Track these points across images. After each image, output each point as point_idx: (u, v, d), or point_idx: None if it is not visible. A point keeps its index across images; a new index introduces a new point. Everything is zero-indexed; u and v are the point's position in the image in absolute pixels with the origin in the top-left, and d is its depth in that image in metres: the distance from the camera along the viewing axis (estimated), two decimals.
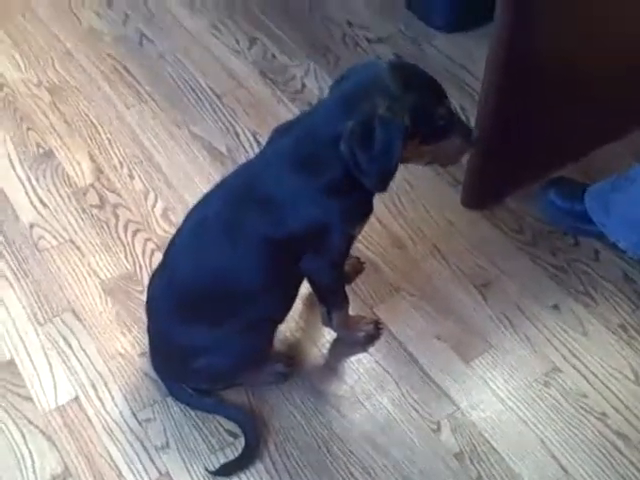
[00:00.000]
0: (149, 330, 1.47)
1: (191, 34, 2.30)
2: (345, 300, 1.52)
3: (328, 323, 1.55)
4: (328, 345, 1.60)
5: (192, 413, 1.50)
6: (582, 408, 1.51)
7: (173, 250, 1.39)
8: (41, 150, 1.96)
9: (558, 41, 1.58)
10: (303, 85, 2.13)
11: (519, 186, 1.84)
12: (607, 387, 1.53)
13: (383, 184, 1.28)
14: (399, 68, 1.28)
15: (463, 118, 1.39)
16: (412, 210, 1.84)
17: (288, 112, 2.02)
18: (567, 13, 1.53)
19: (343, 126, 1.22)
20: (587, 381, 1.54)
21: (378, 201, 1.78)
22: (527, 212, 1.82)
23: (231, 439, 1.47)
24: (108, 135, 2.01)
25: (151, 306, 1.44)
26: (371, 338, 1.59)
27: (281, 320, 1.47)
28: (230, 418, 1.48)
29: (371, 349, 1.59)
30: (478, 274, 1.71)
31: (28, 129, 2.01)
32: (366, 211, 1.38)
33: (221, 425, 1.48)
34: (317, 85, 2.12)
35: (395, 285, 1.70)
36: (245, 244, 1.32)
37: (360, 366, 1.57)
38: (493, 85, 1.61)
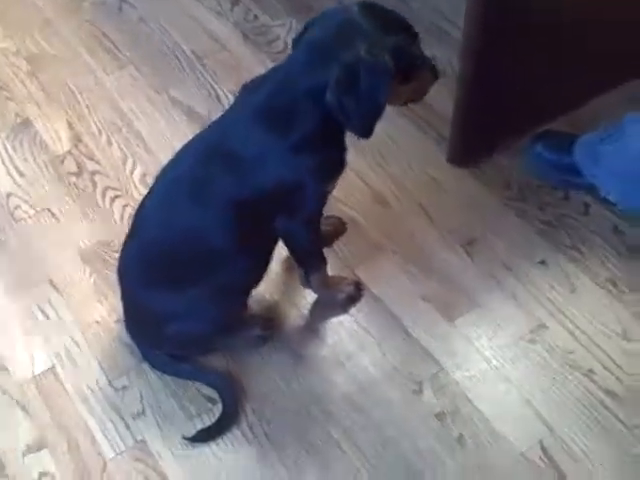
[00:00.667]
0: (122, 296, 1.43)
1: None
2: (323, 261, 1.47)
3: (307, 284, 1.51)
4: (308, 307, 1.56)
5: (169, 379, 1.47)
6: (569, 365, 1.46)
7: (142, 212, 1.36)
8: (19, 119, 1.93)
9: None
10: (286, 45, 2.07)
11: (506, 141, 1.78)
12: (594, 343, 1.49)
13: (370, 129, 1.25)
14: (370, 10, 1.23)
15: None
16: (396, 167, 1.79)
17: None
18: None
19: (324, 76, 1.19)
20: (574, 337, 1.50)
21: (360, 158, 1.78)
22: (515, 167, 1.76)
23: (209, 405, 1.44)
24: (87, 102, 1.97)
25: (122, 271, 1.40)
26: (352, 299, 1.55)
27: (255, 284, 1.43)
28: (207, 384, 1.45)
29: (352, 310, 1.55)
30: (464, 232, 1.66)
31: (6, 99, 1.98)
32: (338, 167, 1.33)
33: (199, 391, 1.45)
34: None
35: (377, 244, 1.65)
36: (214, 203, 1.28)
37: (341, 327, 1.53)
38: (473, 36, 1.55)
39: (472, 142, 1.75)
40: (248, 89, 1.29)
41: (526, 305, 1.54)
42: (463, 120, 1.70)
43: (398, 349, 1.50)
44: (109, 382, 1.47)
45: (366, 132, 1.26)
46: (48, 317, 1.57)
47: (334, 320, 1.54)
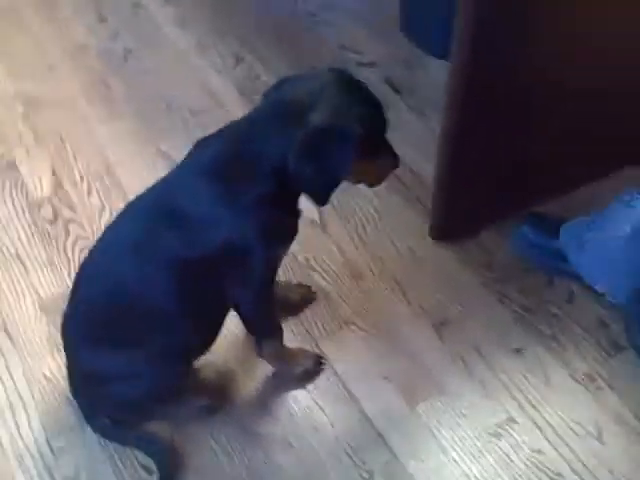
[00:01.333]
0: (64, 352, 1.37)
1: (178, 51, 2.24)
2: (276, 330, 1.40)
3: (261, 354, 1.44)
4: (263, 379, 1.48)
5: (109, 444, 1.40)
6: (535, 466, 1.36)
7: (82, 269, 1.31)
8: (4, 161, 1.92)
9: (528, 66, 1.46)
10: None
11: (493, 221, 1.71)
12: (566, 443, 1.38)
13: (327, 197, 1.21)
14: (342, 79, 1.19)
15: None
16: (376, 239, 1.72)
17: None
18: (534, 38, 1.42)
19: (283, 138, 1.15)
20: (544, 435, 1.39)
21: (341, 227, 1.72)
22: (499, 247, 1.68)
23: (145, 475, 1.36)
24: (75, 150, 1.95)
25: (63, 326, 1.35)
26: (310, 374, 1.47)
27: (201, 350, 1.36)
28: (146, 453, 1.37)
29: (309, 386, 1.47)
30: (437, 311, 1.58)
31: None
32: (290, 232, 1.28)
33: (137, 459, 1.38)
34: None
35: (346, 318, 1.58)
36: (156, 261, 1.22)
37: (295, 404, 1.45)
38: (452, 116, 1.49)
39: (455, 219, 1.68)
40: (200, 145, 1.25)
41: (495, 395, 1.45)
42: (445, 198, 1.64)
43: (352, 432, 1.41)
44: (47, 441, 1.41)
45: (323, 200, 1.21)
46: None
47: (289, 395, 1.46)
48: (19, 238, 1.74)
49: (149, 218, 1.23)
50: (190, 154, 1.26)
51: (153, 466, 1.36)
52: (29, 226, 1.77)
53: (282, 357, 1.44)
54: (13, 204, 1.82)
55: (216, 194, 1.19)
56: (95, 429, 1.40)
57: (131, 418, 1.39)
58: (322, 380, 1.48)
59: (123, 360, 1.28)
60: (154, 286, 1.23)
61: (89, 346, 1.30)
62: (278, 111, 1.18)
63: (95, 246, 1.31)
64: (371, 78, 2.09)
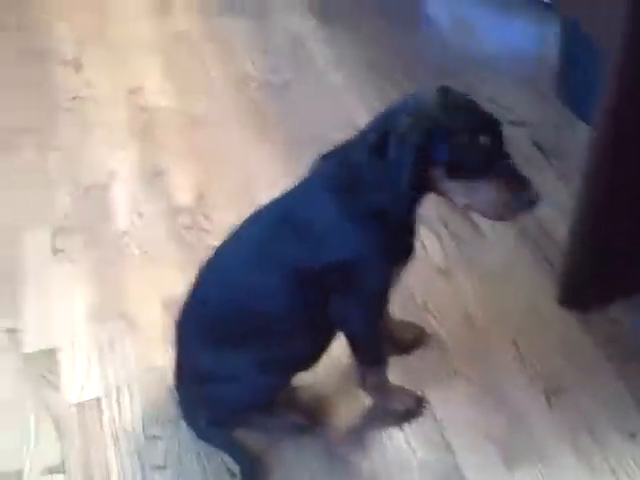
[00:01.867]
0: (175, 345, 1.42)
1: (331, 87, 2.31)
2: (381, 358, 1.38)
3: (362, 384, 1.42)
4: (359, 410, 1.46)
5: (201, 443, 1.41)
6: None
7: (203, 269, 1.35)
8: (157, 168, 2.03)
9: None
10: None
11: (627, 294, 1.63)
12: None
13: (399, 200, 1.19)
14: (447, 93, 1.18)
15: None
16: (499, 294, 1.68)
17: None
18: None
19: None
20: None
21: (465, 276, 1.69)
22: (630, 323, 1.60)
23: (229, 479, 1.36)
24: (222, 167, 2.04)
25: (178, 322, 1.39)
26: (409, 414, 1.44)
27: (304, 366, 1.37)
28: (233, 458, 1.38)
29: (406, 426, 1.44)
30: (552, 378, 1.51)
31: (153, 148, 2.09)
32: (404, 251, 1.27)
33: (225, 463, 1.39)
34: None
35: (455, 368, 1.54)
36: (275, 267, 1.25)
37: (388, 440, 1.42)
38: (597, 180, 1.46)
39: (586, 287, 1.62)
40: (324, 158, 1.27)
41: (599, 476, 1.35)
42: (578, 262, 1.58)
43: None
44: (144, 428, 1.45)
45: (396, 200, 1.19)
46: (114, 350, 1.58)
47: (383, 430, 1.43)
48: (157, 239, 1.83)
49: (272, 225, 1.27)
50: (314, 168, 1.29)
51: (238, 472, 1.36)
52: (167, 229, 1.86)
53: (383, 390, 1.42)
54: (157, 207, 1.92)
55: (333, 205, 1.21)
56: (190, 426, 1.42)
57: (225, 422, 1.40)
58: (420, 423, 1.44)
59: (227, 362, 1.30)
60: (268, 291, 1.26)
61: (198, 343, 1.33)
62: (376, 119, 1.20)
63: (218, 248, 1.35)
64: (519, 137, 2.08)
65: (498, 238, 1.80)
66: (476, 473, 1.36)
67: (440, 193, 1.20)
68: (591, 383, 1.50)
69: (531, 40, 2.55)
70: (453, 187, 1.17)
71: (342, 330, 1.33)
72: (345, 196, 1.20)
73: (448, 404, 1.47)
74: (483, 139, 1.13)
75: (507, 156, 1.17)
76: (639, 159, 1.41)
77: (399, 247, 1.26)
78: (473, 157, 1.14)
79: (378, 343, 1.36)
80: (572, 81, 2.18)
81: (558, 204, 1.85)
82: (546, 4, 2.57)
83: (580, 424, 1.43)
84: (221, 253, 1.34)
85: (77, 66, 2.40)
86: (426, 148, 1.12)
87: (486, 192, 1.16)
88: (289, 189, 1.30)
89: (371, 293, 1.27)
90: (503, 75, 2.33)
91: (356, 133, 1.25)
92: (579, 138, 2.07)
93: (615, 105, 1.35)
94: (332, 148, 1.28)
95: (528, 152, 2.03)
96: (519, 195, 1.15)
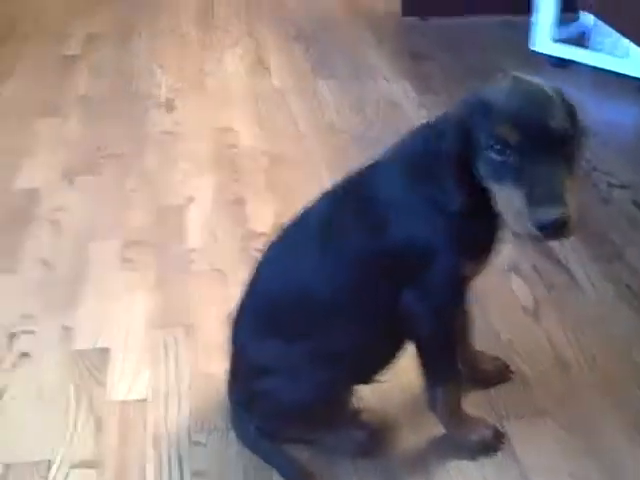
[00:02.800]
0: (230, 343, 1.31)
1: None
2: (452, 374, 1.23)
3: (432, 405, 1.26)
4: (430, 437, 1.29)
5: (247, 455, 1.27)
6: None
7: (262, 261, 1.26)
8: (234, 197, 1.99)
9: None
10: None
11: None
12: None
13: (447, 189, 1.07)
14: (520, 79, 1.05)
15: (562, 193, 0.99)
16: (592, 340, 1.50)
17: None
18: None
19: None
20: None
21: (555, 320, 1.54)
22: None
23: None
24: (302, 201, 1.97)
25: (235, 316, 1.29)
26: (485, 447, 1.26)
27: (366, 372, 1.24)
28: (280, 473, 1.23)
29: (481, 460, 1.26)
30: None
31: (235, 180, 2.06)
32: (484, 245, 1.13)
33: (271, 478, 1.24)
34: None
35: (540, 407, 1.36)
36: (337, 249, 1.15)
37: (458, 471, 1.24)
38: None
39: None
40: (403, 138, 1.18)
41: None
42: None
43: None
44: (188, 434, 1.32)
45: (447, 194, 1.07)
46: (167, 355, 1.48)
47: (453, 463, 1.25)
48: (228, 257, 1.76)
49: (341, 200, 1.18)
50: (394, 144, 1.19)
51: None
52: (240, 251, 1.78)
53: (456, 415, 1.26)
54: (231, 230, 1.86)
55: (409, 184, 1.11)
56: (239, 435, 1.29)
57: (277, 431, 1.26)
58: (497, 459, 1.26)
59: (283, 354, 1.18)
60: (331, 273, 1.15)
61: (254, 336, 1.23)
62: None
63: (278, 236, 1.26)
64: (621, 199, 1.95)
65: (592, 288, 1.65)
66: None
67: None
68: None
69: (628, 115, 2.46)
70: (492, 188, 1.04)
71: (410, 330, 1.17)
72: (424, 178, 1.10)
73: (530, 443, 1.29)
74: (512, 136, 0.99)
75: (546, 163, 0.99)
76: None
77: (478, 242, 1.13)
78: (498, 154, 1.00)
79: (450, 354, 1.21)
80: None
81: None
82: None
83: None
84: (282, 239, 1.24)
85: (170, 108, 2.43)
86: (467, 141, 1.03)
87: (505, 200, 1.02)
88: (361, 167, 1.21)
89: (442, 286, 1.13)
90: (603, 144, 2.22)
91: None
92: None
93: None
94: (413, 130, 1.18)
95: (631, 213, 1.90)
96: (536, 209, 0.97)
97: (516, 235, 1.05)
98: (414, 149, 1.13)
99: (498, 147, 1.00)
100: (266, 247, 1.28)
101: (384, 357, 1.24)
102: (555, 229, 0.97)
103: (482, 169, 1.04)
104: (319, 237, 1.17)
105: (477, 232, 1.12)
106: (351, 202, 1.16)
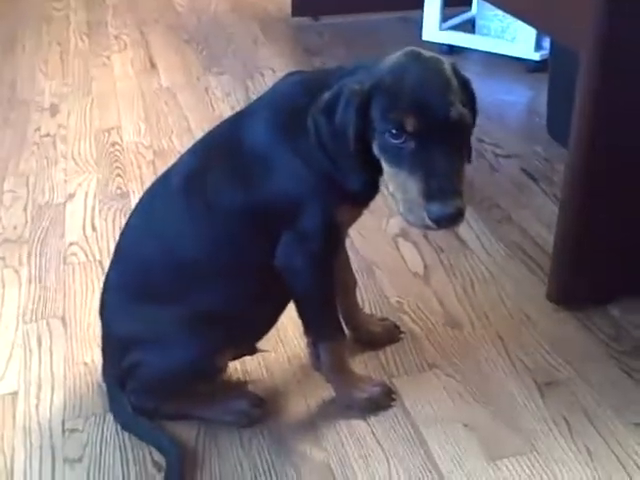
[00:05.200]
0: (100, 320, 1.23)
1: None
2: (336, 329, 1.18)
3: (316, 364, 1.21)
4: (318, 399, 1.24)
5: (126, 436, 1.19)
6: None
7: (127, 220, 1.20)
8: (119, 191, 1.91)
9: None
10: None
11: (626, 293, 1.44)
12: None
13: (347, 172, 1.03)
14: (409, 57, 1.01)
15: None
16: (483, 297, 1.49)
17: None
18: None
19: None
20: None
21: (445, 280, 1.51)
22: (633, 323, 1.39)
23: (154, 471, 1.14)
24: None
25: (102, 289, 1.21)
26: (375, 405, 1.22)
27: (244, 336, 1.18)
28: (158, 449, 1.16)
29: (371, 418, 1.21)
30: (545, 371, 1.30)
31: (117, 175, 1.98)
32: (357, 193, 1.09)
33: (151, 454, 1.16)
34: None
35: (430, 362, 1.33)
36: (203, 204, 1.09)
37: (348, 430, 1.19)
38: (577, 186, 1.34)
39: (581, 282, 1.43)
40: (281, 79, 1.14)
41: (603, 465, 1.12)
42: (571, 253, 1.40)
43: (411, 474, 1.12)
44: (62, 421, 1.23)
45: (343, 173, 1.03)
46: (40, 346, 1.39)
47: (343, 421, 1.21)
48: (109, 249, 1.67)
49: (206, 152, 1.13)
50: (276, 87, 1.14)
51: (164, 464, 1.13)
52: None
53: (343, 373, 1.21)
54: (113, 223, 1.77)
55: (277, 133, 1.07)
56: (116, 416, 1.21)
57: (156, 405, 1.18)
58: (388, 415, 1.22)
59: (153, 321, 1.12)
60: (198, 229, 1.10)
61: (121, 304, 1.16)
62: (346, 72, 1.06)
63: (148, 189, 1.20)
64: (508, 167, 1.96)
65: (483, 249, 1.64)
66: (453, 465, 1.13)
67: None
68: (590, 377, 1.28)
69: (515, 93, 2.49)
70: (385, 169, 1.01)
71: (288, 283, 1.12)
72: (292, 128, 1.06)
73: (421, 397, 1.25)
74: (410, 123, 0.95)
75: (444, 153, 0.96)
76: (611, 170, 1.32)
77: (349, 189, 1.06)
78: (394, 138, 0.96)
79: (329, 308, 1.16)
80: (560, 117, 2.09)
81: (545, 218, 1.71)
82: (535, 62, 2.55)
83: (577, 413, 1.21)
84: (144, 202, 1.18)
85: (54, 112, 2.34)
86: (365, 118, 0.98)
87: (399, 184, 0.99)
88: (235, 114, 1.16)
89: (315, 235, 1.08)
90: (488, 119, 2.24)
91: (338, 68, 1.10)
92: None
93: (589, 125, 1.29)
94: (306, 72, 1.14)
95: (518, 179, 1.91)
96: (433, 203, 0.94)
97: (406, 221, 1.01)
98: (285, 102, 1.08)
99: (395, 132, 0.96)
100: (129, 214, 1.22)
101: (262, 319, 1.19)
102: (449, 221, 0.96)
103: (377, 148, 1.00)
104: (183, 193, 1.11)
105: (346, 178, 1.05)
106: (217, 154, 1.11)
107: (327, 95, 1.02)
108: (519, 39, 2.59)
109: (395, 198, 1.01)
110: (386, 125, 0.97)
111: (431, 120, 0.95)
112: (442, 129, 0.95)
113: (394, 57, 1.02)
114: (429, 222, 0.95)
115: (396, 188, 0.99)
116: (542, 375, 1.29)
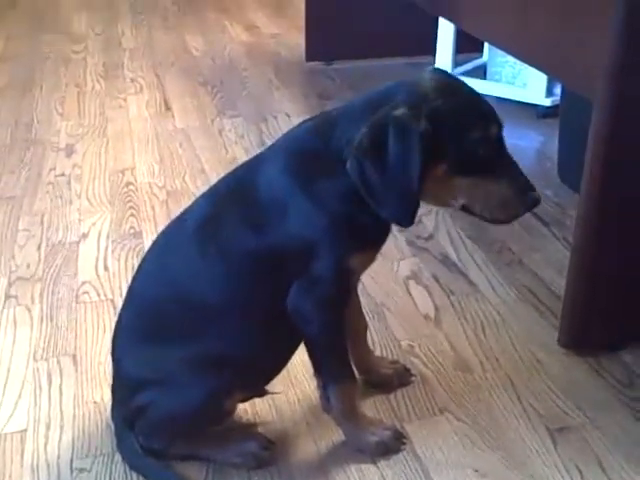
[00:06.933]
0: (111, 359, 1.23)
1: None
2: (347, 373, 1.18)
3: (326, 407, 1.21)
4: (329, 442, 1.23)
5: (134, 475, 1.19)
6: None
7: (140, 262, 1.21)
8: (132, 231, 1.92)
9: None
10: (431, 235, 1.91)
11: (636, 337, 1.43)
12: None
13: (404, 212, 1.03)
14: (442, 77, 1.07)
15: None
16: (494, 340, 1.48)
17: None
18: None
19: (352, 134, 1.03)
20: None
21: (456, 324, 1.51)
22: None
23: None
24: None
25: (115, 329, 1.22)
26: (385, 448, 1.21)
27: (253, 378, 1.18)
28: None
29: (381, 462, 1.20)
30: (556, 417, 1.29)
31: (131, 215, 2.00)
32: (370, 238, 1.10)
33: None
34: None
35: (442, 406, 1.32)
36: (217, 248, 1.10)
37: (358, 474, 1.19)
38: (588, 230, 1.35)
39: (594, 328, 1.42)
40: (292, 129, 1.15)
41: None
42: (584, 297, 1.40)
43: None
44: (70, 461, 1.23)
45: (398, 213, 1.03)
46: (51, 384, 1.39)
47: (354, 466, 1.20)
48: (112, 291, 1.68)
49: (220, 199, 1.14)
50: (289, 134, 1.16)
51: None
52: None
53: (353, 416, 1.20)
54: (125, 263, 1.78)
55: (291, 178, 1.08)
56: (124, 454, 1.21)
57: (165, 446, 1.18)
58: (398, 459, 1.21)
59: (164, 361, 1.12)
60: (208, 275, 1.10)
61: (129, 345, 1.17)
62: (361, 102, 1.08)
63: (161, 232, 1.21)
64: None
65: (493, 293, 1.64)
66: None
67: (435, 195, 1.07)
68: (602, 422, 1.27)
69: (526, 138, 2.51)
70: (456, 186, 1.04)
71: (301, 330, 1.12)
72: (307, 171, 1.07)
73: (431, 441, 1.24)
74: (493, 131, 1.04)
75: (509, 155, 1.07)
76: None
77: (364, 233, 1.09)
78: (479, 153, 1.03)
79: (340, 350, 1.16)
80: (570, 162, 2.10)
81: (557, 264, 1.71)
82: (546, 108, 2.58)
83: (589, 461, 1.20)
84: (158, 244, 1.19)
85: (69, 152, 2.37)
86: (432, 140, 1.00)
87: (490, 191, 1.05)
88: (250, 159, 1.18)
89: (327, 281, 1.08)
90: None
91: (346, 106, 1.11)
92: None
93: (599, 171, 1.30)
94: (317, 116, 1.15)
95: (529, 222, 1.92)
96: (522, 196, 1.06)
97: (493, 221, 1.09)
98: (298, 147, 1.10)
99: (480, 142, 1.02)
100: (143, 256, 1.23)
101: (272, 361, 1.19)
102: (537, 204, 1.09)
103: (448, 169, 1.03)
104: (197, 237, 1.13)
105: (361, 223, 1.08)
106: (231, 200, 1.12)
107: (367, 133, 1.01)
108: (530, 85, 2.62)
109: (472, 208, 1.07)
110: (469, 140, 1.02)
111: (500, 125, 1.05)
112: (502, 135, 1.06)
113: (425, 80, 1.05)
114: (523, 208, 1.08)
115: (474, 196, 1.05)
116: (554, 421, 1.28)
